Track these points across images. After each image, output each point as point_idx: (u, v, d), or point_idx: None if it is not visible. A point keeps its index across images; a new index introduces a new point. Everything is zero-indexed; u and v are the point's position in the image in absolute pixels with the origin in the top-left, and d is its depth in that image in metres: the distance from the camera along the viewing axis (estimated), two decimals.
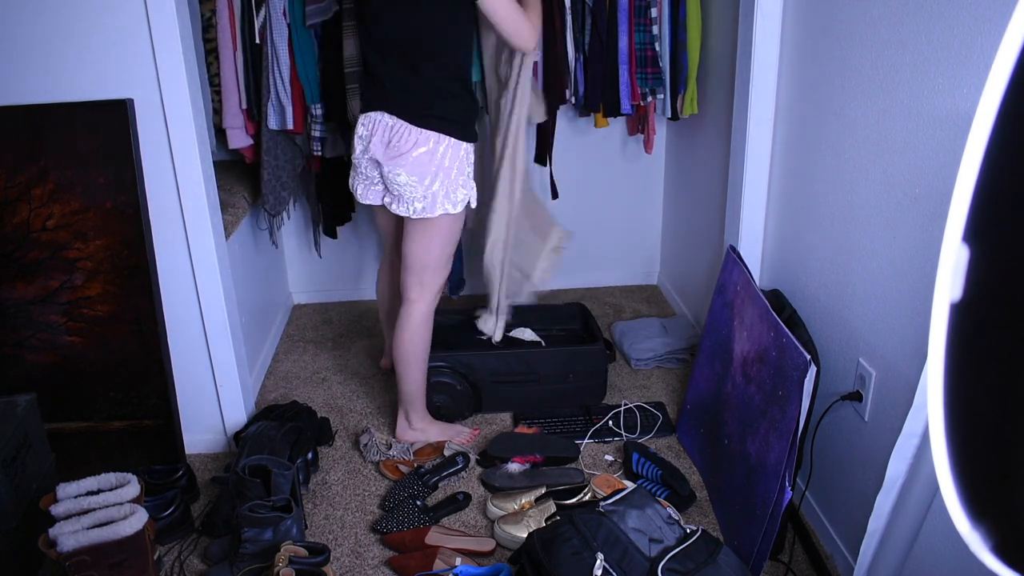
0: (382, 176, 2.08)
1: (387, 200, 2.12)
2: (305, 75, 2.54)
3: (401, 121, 2.00)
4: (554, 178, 3.01)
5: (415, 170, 2.00)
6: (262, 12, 2.49)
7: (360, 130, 2.09)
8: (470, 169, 2.08)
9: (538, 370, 2.45)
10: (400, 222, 2.21)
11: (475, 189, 2.12)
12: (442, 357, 2.41)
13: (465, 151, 2.05)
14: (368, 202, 2.18)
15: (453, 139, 2.01)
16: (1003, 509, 0.42)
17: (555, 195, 3.01)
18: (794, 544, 1.93)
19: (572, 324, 2.79)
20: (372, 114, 2.05)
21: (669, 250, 3.39)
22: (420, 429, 2.35)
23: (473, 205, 2.12)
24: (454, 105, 2.03)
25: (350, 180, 2.21)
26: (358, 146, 2.11)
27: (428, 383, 2.37)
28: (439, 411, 2.43)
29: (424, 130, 1.98)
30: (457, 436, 2.36)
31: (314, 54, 2.55)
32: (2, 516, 1.76)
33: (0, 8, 1.89)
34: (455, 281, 3.09)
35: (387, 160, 2.02)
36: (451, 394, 2.43)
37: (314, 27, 2.52)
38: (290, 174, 2.74)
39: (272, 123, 2.58)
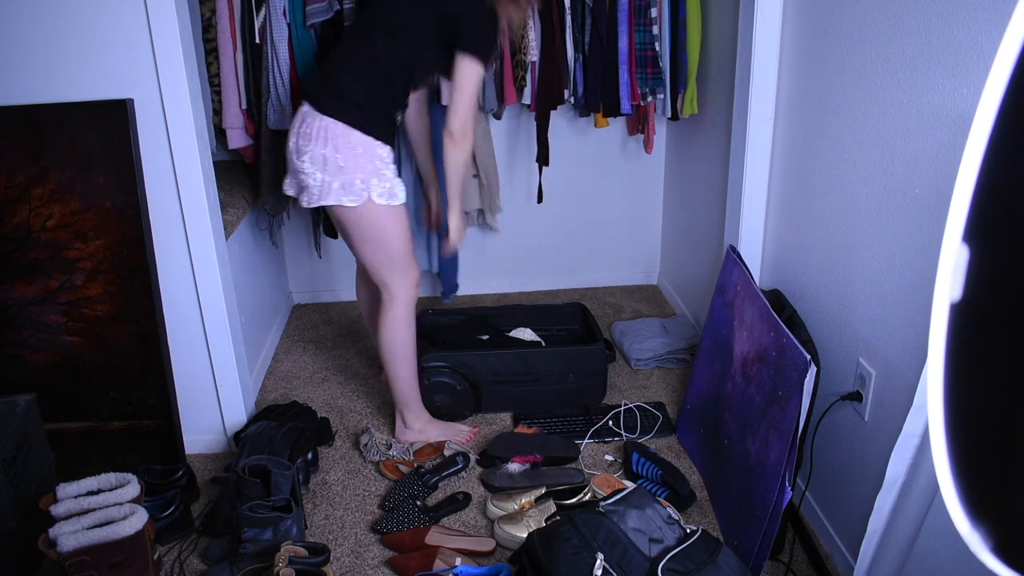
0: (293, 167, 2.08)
1: (294, 191, 2.12)
2: (305, 75, 2.54)
3: (311, 109, 2.00)
4: (541, 183, 3.00)
5: (312, 156, 1.99)
6: (262, 12, 2.49)
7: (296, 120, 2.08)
8: (378, 164, 2.01)
9: (538, 370, 2.45)
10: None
11: (394, 187, 2.05)
12: (442, 357, 2.41)
13: (373, 145, 2.00)
14: (288, 193, 2.16)
15: (353, 129, 1.97)
16: (1003, 509, 0.42)
17: (540, 199, 3.01)
18: (794, 544, 1.93)
19: (572, 324, 2.79)
20: (302, 104, 2.05)
21: (669, 250, 3.39)
22: (418, 429, 2.35)
23: (385, 202, 2.03)
24: (363, 97, 1.99)
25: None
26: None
27: (428, 383, 2.37)
28: (439, 411, 2.43)
29: (324, 116, 1.97)
30: (457, 435, 2.36)
31: (314, 54, 2.55)
32: (2, 516, 1.76)
33: (0, 8, 1.89)
34: (450, 286, 3.09)
35: (295, 146, 2.02)
36: (451, 394, 2.43)
37: (314, 27, 2.52)
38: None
39: (272, 123, 2.58)
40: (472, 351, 2.45)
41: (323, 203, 2.03)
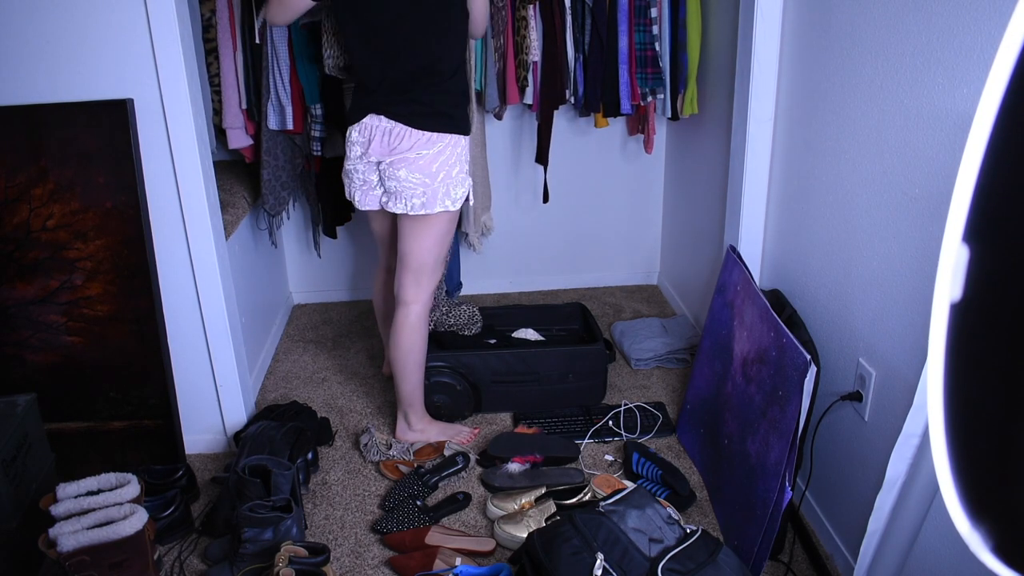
0: (380, 176, 2.07)
1: (384, 200, 2.12)
2: (305, 75, 2.54)
3: (399, 125, 2.00)
4: (547, 182, 3.01)
5: (416, 168, 2.00)
6: (262, 12, 2.49)
7: (355, 136, 2.07)
8: (467, 165, 2.09)
9: (538, 370, 2.45)
10: (395, 224, 2.21)
11: (471, 183, 2.13)
12: (442, 357, 2.41)
13: (462, 147, 2.06)
14: (367, 208, 2.18)
15: (452, 135, 2.02)
16: (1003, 509, 0.42)
17: (546, 199, 3.01)
18: (794, 544, 1.93)
19: (572, 324, 2.79)
20: (367, 120, 2.04)
21: (669, 250, 3.39)
22: (420, 429, 2.35)
23: (471, 202, 2.13)
24: (450, 101, 2.03)
25: (346, 190, 2.20)
26: (352, 152, 2.10)
27: (428, 383, 2.38)
28: (439, 411, 2.43)
29: (424, 132, 1.99)
30: (457, 435, 2.36)
31: (314, 55, 2.55)
32: (2, 516, 1.76)
33: (0, 8, 1.89)
34: (455, 283, 3.09)
35: (388, 158, 2.02)
36: (451, 394, 2.43)
37: (307, 26, 2.52)
38: (290, 174, 2.74)
39: (272, 123, 2.58)
40: (472, 351, 2.45)
41: (427, 212, 2.05)
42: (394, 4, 1.96)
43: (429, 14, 1.97)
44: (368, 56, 2.02)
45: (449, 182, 2.03)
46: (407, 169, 2.00)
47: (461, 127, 2.05)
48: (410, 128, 1.99)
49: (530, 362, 2.44)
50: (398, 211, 2.07)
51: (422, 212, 2.04)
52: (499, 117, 2.98)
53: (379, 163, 2.05)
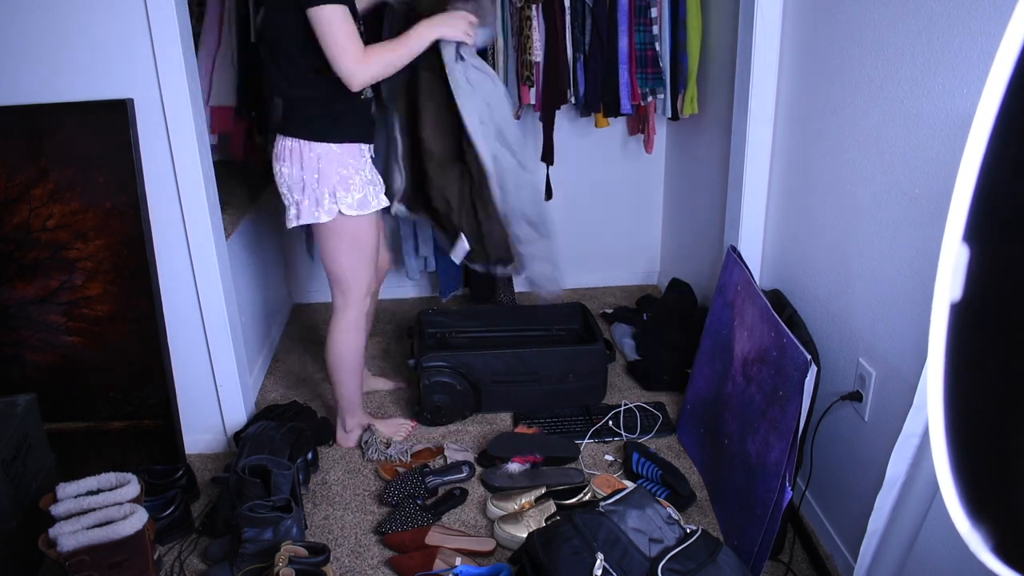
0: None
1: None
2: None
3: (279, 135, 1.99)
4: (550, 179, 3.01)
5: (282, 179, 2.00)
6: (262, 11, 2.49)
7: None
8: (346, 172, 1.97)
9: (538, 370, 2.45)
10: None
11: (364, 192, 2.00)
12: (442, 357, 2.41)
13: (335, 153, 1.95)
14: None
15: (311, 142, 1.93)
16: (1003, 509, 0.42)
17: (549, 196, 3.01)
18: (794, 544, 1.93)
19: (572, 324, 2.79)
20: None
21: (669, 250, 3.39)
22: (352, 429, 2.36)
23: (368, 211, 2.01)
24: (304, 109, 1.95)
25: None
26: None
27: (428, 383, 2.38)
28: (440, 411, 2.43)
29: (284, 136, 1.96)
30: (399, 429, 2.39)
31: None
32: (2, 516, 1.76)
33: (0, 8, 1.89)
34: (448, 285, 3.09)
35: (275, 171, 2.03)
36: (451, 394, 2.43)
37: None
38: None
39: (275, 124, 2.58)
40: (472, 351, 2.45)
41: (301, 223, 2.01)
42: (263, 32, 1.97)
43: (275, 39, 1.93)
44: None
45: (312, 193, 1.96)
46: (282, 183, 2.00)
47: (319, 134, 1.94)
48: (280, 136, 1.98)
49: (530, 362, 2.44)
50: (286, 224, 2.05)
51: (296, 223, 2.01)
52: (517, 117, 2.98)
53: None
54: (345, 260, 2.09)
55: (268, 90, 2.04)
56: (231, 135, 2.68)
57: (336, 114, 1.97)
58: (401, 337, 3.07)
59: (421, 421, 2.47)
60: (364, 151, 2.02)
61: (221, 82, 2.55)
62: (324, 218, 1.98)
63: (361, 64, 1.86)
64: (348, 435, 2.37)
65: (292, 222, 2.03)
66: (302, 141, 1.94)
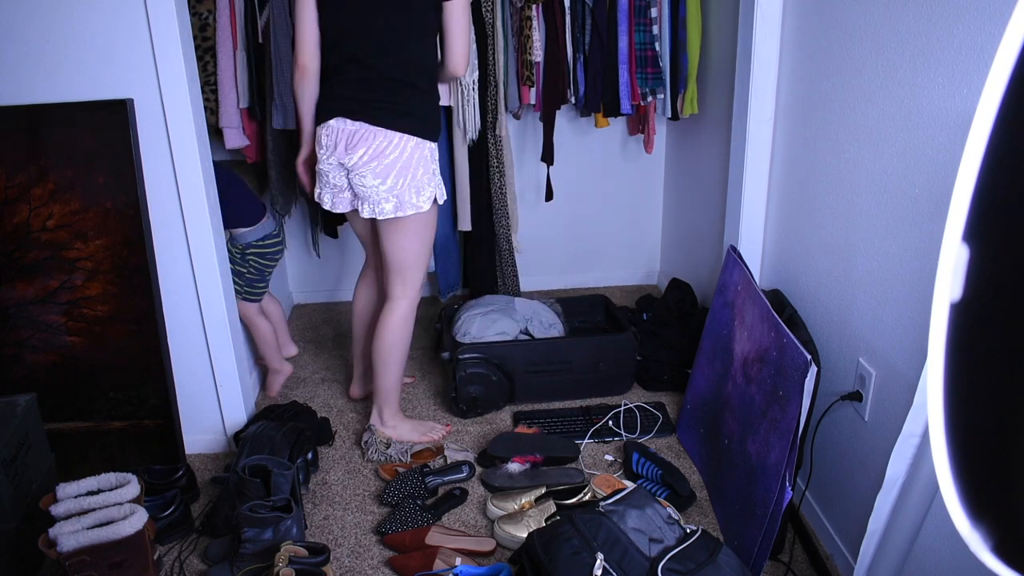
0: (349, 181, 2.08)
1: (357, 205, 2.11)
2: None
3: (362, 124, 1.99)
4: (550, 179, 3.01)
5: (380, 172, 2.00)
6: (265, 11, 2.49)
7: (323, 140, 2.06)
8: (435, 166, 2.09)
9: (570, 359, 2.50)
10: (375, 225, 2.21)
11: (442, 185, 2.13)
12: (477, 348, 2.44)
13: (429, 149, 2.05)
14: (339, 210, 2.17)
15: (416, 138, 2.01)
16: (1003, 509, 0.42)
17: (550, 196, 3.01)
18: (794, 544, 1.93)
19: (595, 316, 2.87)
20: (333, 122, 2.03)
21: (669, 250, 3.39)
22: (392, 426, 2.36)
23: (440, 201, 2.12)
24: (415, 104, 2.03)
25: (316, 191, 2.18)
26: (323, 156, 2.08)
27: (463, 374, 2.41)
28: (475, 402, 2.45)
29: (386, 131, 1.98)
30: (430, 432, 2.38)
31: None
32: (2, 516, 1.76)
33: (0, 8, 1.89)
34: (447, 285, 3.09)
35: (352, 164, 2.02)
36: (486, 385, 2.45)
37: None
38: (295, 173, 2.74)
39: (277, 123, 2.58)
40: (506, 342, 2.48)
41: (400, 214, 2.05)
42: (364, 9, 1.98)
43: (400, 21, 1.98)
44: (337, 57, 2.03)
45: (415, 185, 2.03)
46: (372, 175, 2.01)
47: (428, 132, 2.04)
48: (372, 127, 1.99)
49: (563, 352, 2.50)
50: (372, 216, 2.07)
51: (393, 216, 2.05)
52: (517, 117, 2.99)
53: (346, 168, 2.05)
54: (419, 250, 2.17)
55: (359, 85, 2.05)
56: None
57: (436, 112, 2.11)
58: None
59: (455, 413, 2.49)
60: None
61: (243, 84, 2.56)
62: (425, 207, 2.07)
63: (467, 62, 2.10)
64: (383, 427, 2.36)
65: (389, 212, 2.05)
66: (416, 138, 2.01)
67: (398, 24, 1.98)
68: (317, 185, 2.17)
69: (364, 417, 2.53)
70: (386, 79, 2.00)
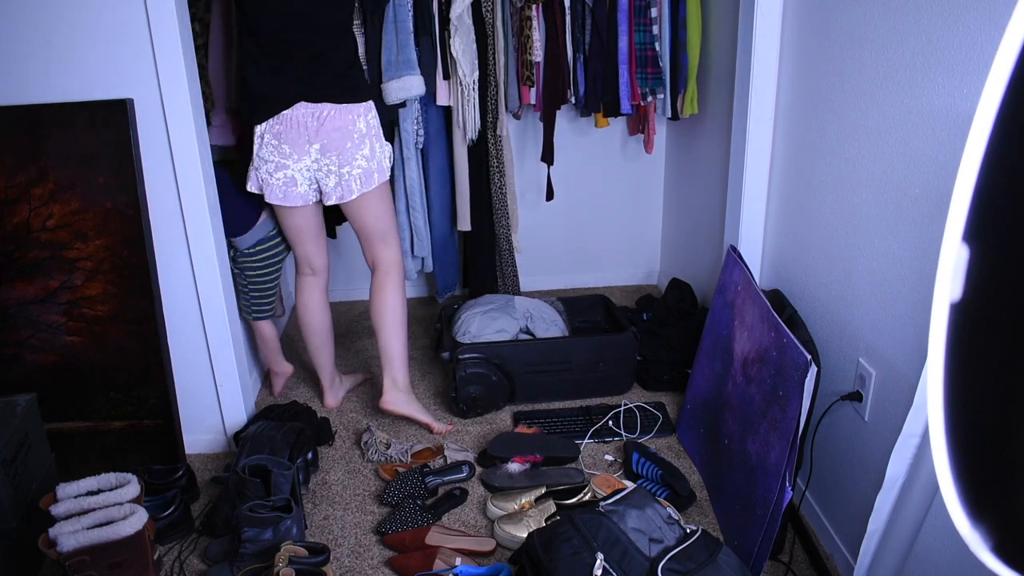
0: (313, 171, 2.11)
1: (328, 192, 2.12)
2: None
3: (327, 105, 2.04)
4: (551, 179, 3.01)
5: (357, 144, 2.07)
6: None
7: (278, 132, 2.06)
8: (382, 129, 2.15)
9: (570, 359, 2.50)
10: (323, 215, 2.30)
11: (389, 148, 2.19)
12: (477, 348, 2.44)
13: (374, 112, 2.12)
14: (292, 204, 2.17)
15: (370, 104, 2.09)
16: (1003, 509, 0.42)
17: (550, 196, 3.01)
18: (794, 544, 1.93)
19: (595, 316, 2.88)
20: (286, 112, 2.05)
21: (669, 250, 3.39)
22: (405, 391, 2.35)
23: (388, 162, 2.18)
24: (359, 74, 2.12)
25: (253, 184, 2.18)
26: (276, 152, 2.08)
27: (463, 374, 2.41)
28: (475, 402, 2.45)
29: (352, 104, 2.05)
30: (431, 422, 2.38)
31: None
32: (2, 516, 1.76)
33: (0, 8, 1.89)
34: (444, 285, 3.09)
35: (319, 145, 2.06)
36: (486, 384, 2.46)
37: None
38: None
39: None
40: (506, 342, 2.49)
41: (367, 189, 2.11)
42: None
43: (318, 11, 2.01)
44: (262, 45, 2.03)
45: (381, 152, 2.12)
46: (354, 149, 2.07)
47: (370, 93, 2.11)
48: (337, 106, 2.04)
49: (563, 351, 2.50)
50: (355, 193, 2.11)
51: (379, 181, 2.13)
52: (517, 117, 2.99)
53: (312, 156, 2.08)
54: (391, 209, 2.24)
55: (298, 68, 2.06)
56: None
57: (362, 72, 2.15)
58: None
59: (455, 413, 2.49)
60: None
61: (234, 82, 2.55)
62: (387, 173, 2.15)
63: None
64: (401, 395, 2.34)
65: (373, 182, 2.11)
66: (362, 104, 2.06)
67: (331, 10, 2.02)
68: (253, 179, 2.17)
69: (364, 417, 2.53)
70: (334, 61, 2.05)
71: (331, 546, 1.96)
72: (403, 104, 2.64)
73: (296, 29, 2.00)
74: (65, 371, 2.13)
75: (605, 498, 1.73)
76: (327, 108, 2.03)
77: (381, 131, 2.13)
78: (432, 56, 2.64)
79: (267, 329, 2.60)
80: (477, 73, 2.65)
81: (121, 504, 1.75)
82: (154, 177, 2.05)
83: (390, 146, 2.18)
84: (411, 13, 2.54)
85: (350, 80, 2.06)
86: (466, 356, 2.42)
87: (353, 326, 3.19)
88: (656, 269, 3.54)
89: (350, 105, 2.05)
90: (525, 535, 1.84)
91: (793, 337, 1.73)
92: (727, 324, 2.14)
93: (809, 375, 1.65)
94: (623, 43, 2.74)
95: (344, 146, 2.06)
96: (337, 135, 2.05)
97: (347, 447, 2.37)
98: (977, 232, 0.40)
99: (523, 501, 2.03)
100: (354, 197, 2.12)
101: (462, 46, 2.58)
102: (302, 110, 2.04)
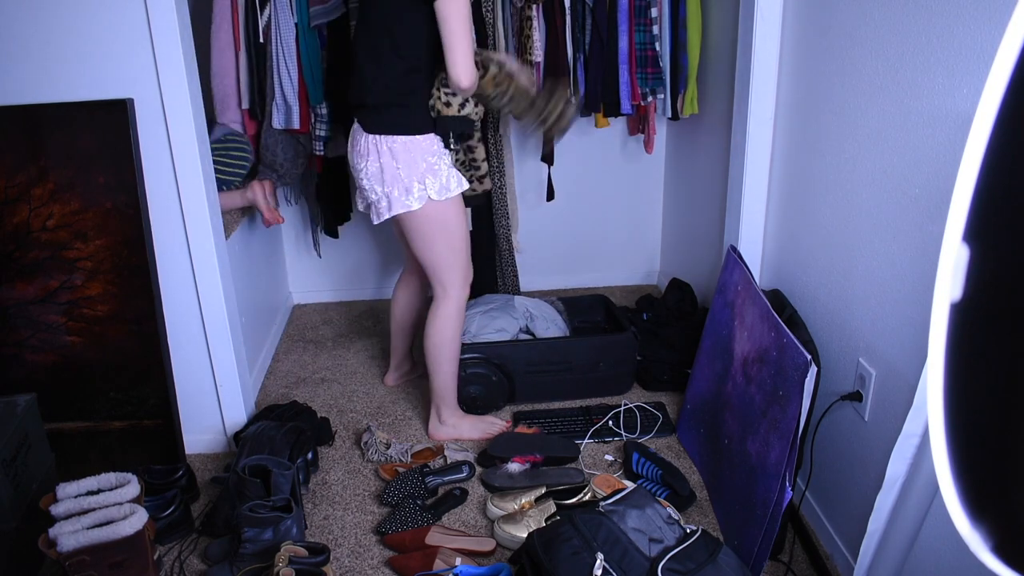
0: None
1: (363, 207, 2.22)
2: (311, 75, 2.54)
3: (357, 126, 2.10)
4: (551, 179, 3.01)
5: (368, 173, 2.07)
6: (266, 11, 2.49)
7: (350, 140, 2.17)
8: (432, 159, 2.05)
9: (570, 359, 2.50)
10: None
11: (449, 177, 2.07)
12: (476, 348, 2.44)
13: (413, 146, 2.03)
14: (361, 209, 2.27)
15: (393, 136, 2.02)
16: (1003, 509, 0.42)
17: (551, 196, 3.01)
18: (794, 544, 1.93)
19: (595, 316, 2.88)
20: (353, 126, 2.14)
21: (669, 250, 3.39)
22: (452, 424, 2.37)
23: (451, 194, 2.07)
24: (394, 98, 2.03)
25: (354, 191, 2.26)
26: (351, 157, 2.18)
27: (463, 374, 2.41)
28: (475, 402, 2.46)
29: (368, 133, 2.05)
30: (490, 428, 2.38)
31: (319, 54, 2.55)
32: (2, 516, 1.76)
33: (0, 8, 1.89)
34: None
35: (353, 166, 2.13)
36: (485, 385, 2.46)
37: (319, 28, 2.53)
38: (291, 174, 2.74)
39: (277, 122, 2.58)
40: (506, 342, 2.49)
41: (391, 215, 2.09)
42: (360, 23, 2.07)
43: (377, 33, 2.01)
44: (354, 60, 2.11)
45: (398, 183, 2.04)
46: (366, 178, 2.09)
47: (412, 127, 2.03)
48: (363, 132, 2.07)
49: (563, 351, 2.50)
50: (374, 220, 2.15)
51: (388, 215, 2.10)
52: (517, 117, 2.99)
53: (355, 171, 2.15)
54: (439, 248, 2.16)
55: (351, 87, 2.11)
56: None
57: (422, 107, 2.07)
58: None
59: None
60: (440, 142, 2.10)
61: (245, 84, 2.56)
62: (415, 205, 2.06)
63: (473, 76, 1.96)
64: (443, 427, 2.37)
65: (384, 214, 2.10)
66: (389, 136, 2.03)
67: (390, 25, 1.99)
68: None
69: (364, 417, 2.54)
70: (375, 77, 2.04)
71: (331, 546, 1.96)
72: None
73: None
74: (65, 371, 2.13)
75: (605, 498, 1.73)
76: (355, 127, 2.15)
77: (409, 164, 2.05)
78: None
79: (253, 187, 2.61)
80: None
81: (121, 504, 1.75)
82: (154, 177, 2.05)
83: (443, 175, 2.06)
84: None
85: (373, 103, 2.10)
86: (466, 356, 2.42)
87: (354, 326, 3.19)
88: (656, 269, 3.54)
89: (367, 134, 2.08)
90: (525, 535, 1.84)
91: (793, 337, 1.73)
92: (727, 324, 2.14)
93: (809, 375, 1.65)
94: (623, 43, 2.74)
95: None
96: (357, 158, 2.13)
97: (347, 447, 2.37)
98: (977, 232, 0.40)
99: (523, 501, 2.03)
100: (378, 219, 2.15)
101: None
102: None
